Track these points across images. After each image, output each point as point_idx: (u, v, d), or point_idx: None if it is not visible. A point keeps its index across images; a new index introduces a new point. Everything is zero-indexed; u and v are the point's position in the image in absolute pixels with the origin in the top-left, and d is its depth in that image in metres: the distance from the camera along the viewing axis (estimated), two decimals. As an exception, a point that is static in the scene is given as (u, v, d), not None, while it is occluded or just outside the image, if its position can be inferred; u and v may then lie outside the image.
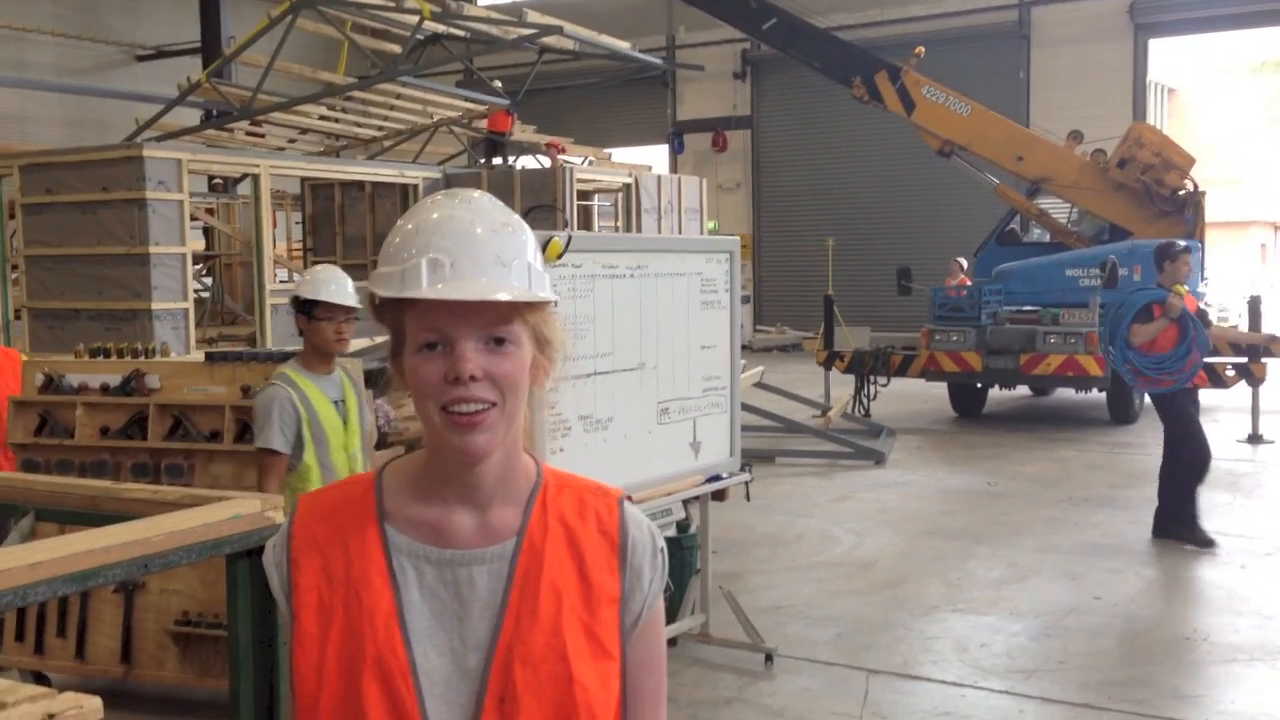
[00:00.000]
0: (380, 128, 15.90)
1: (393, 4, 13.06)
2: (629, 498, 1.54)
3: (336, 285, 4.27)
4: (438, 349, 1.39)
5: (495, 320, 1.40)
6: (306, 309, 4.25)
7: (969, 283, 15.00)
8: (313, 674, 1.43)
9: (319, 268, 4.52)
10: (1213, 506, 8.97)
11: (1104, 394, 13.27)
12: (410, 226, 1.43)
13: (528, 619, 1.43)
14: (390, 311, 1.42)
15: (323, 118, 15.15)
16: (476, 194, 1.48)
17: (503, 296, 1.38)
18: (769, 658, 5.65)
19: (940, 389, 14.24)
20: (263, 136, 15.51)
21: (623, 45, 16.04)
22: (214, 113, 16.29)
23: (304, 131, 15.60)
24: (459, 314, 1.38)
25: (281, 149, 15.34)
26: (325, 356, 4.34)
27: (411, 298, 1.38)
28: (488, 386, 1.40)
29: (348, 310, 4.26)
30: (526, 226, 1.48)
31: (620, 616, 1.49)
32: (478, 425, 1.39)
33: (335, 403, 4.32)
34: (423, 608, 1.44)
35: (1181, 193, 14.10)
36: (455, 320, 1.38)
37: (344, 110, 15.15)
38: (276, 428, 4.12)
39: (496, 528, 1.46)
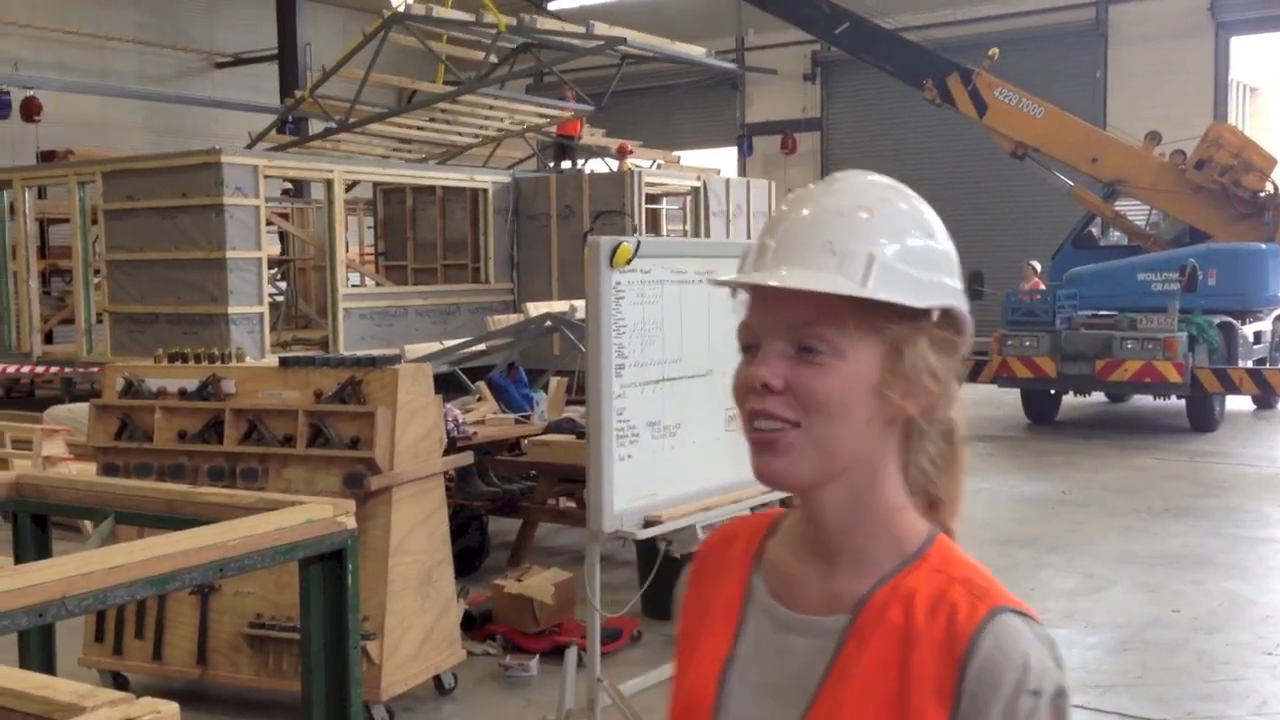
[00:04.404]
0: (476, 135, 16.12)
1: (472, 19, 13.25)
2: (1027, 614, 1.15)
3: None
4: (751, 352, 1.19)
5: (809, 319, 1.14)
6: None
7: (1043, 287, 14.76)
8: (671, 697, 1.32)
9: None
10: (1296, 517, 8.74)
11: (1183, 401, 12.99)
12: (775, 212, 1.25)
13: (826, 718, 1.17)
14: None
15: (419, 128, 15.42)
16: (853, 175, 1.24)
17: (794, 284, 1.13)
18: (837, 667, 5.59)
19: (1013, 395, 14.03)
20: (339, 140, 15.74)
21: (697, 51, 16.03)
22: (289, 119, 16.59)
23: (406, 141, 15.87)
24: (770, 311, 1.17)
25: (386, 157, 15.62)
26: None
27: (744, 293, 1.21)
28: (788, 402, 1.14)
29: None
30: (906, 215, 1.19)
31: None
32: (771, 446, 1.16)
33: None
34: (751, 668, 1.24)
35: (1262, 195, 13.76)
36: (765, 318, 1.17)
37: (446, 120, 15.39)
38: None
39: (838, 596, 1.19)
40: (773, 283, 1.14)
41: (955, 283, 1.18)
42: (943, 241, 1.19)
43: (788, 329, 1.15)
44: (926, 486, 1.21)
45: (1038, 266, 16.41)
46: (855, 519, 1.19)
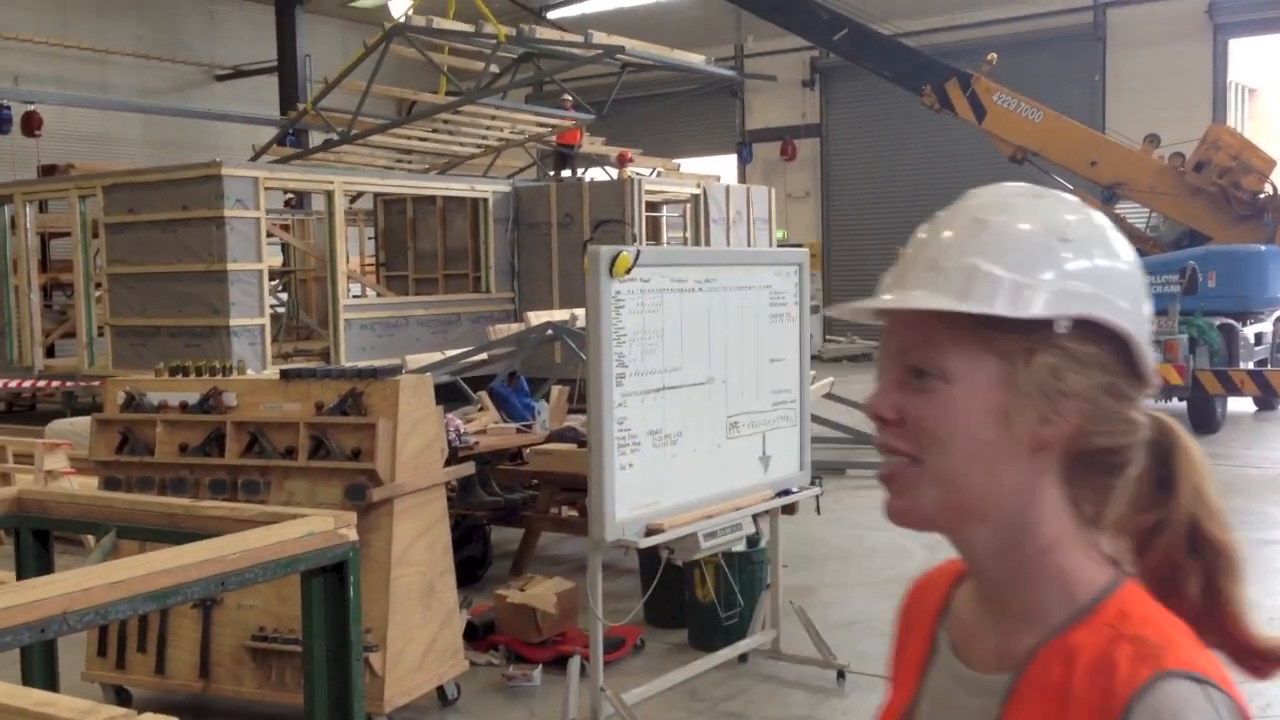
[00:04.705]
0: (477, 145, 16.19)
1: (472, 30, 13.33)
2: (1207, 680, 0.99)
3: None
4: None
5: (915, 343, 1.06)
6: None
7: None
8: None
9: None
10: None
11: (1185, 403, 12.99)
12: None
13: None
14: None
15: (422, 139, 15.49)
16: (989, 187, 1.13)
17: (873, 305, 1.08)
18: (841, 674, 5.60)
19: (1015, 399, 14.01)
20: (341, 152, 15.80)
21: (696, 59, 16.08)
22: (290, 131, 16.66)
23: (408, 152, 15.93)
24: (886, 337, 1.10)
25: (389, 169, 15.70)
26: None
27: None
28: (904, 434, 1.06)
29: None
30: (1034, 220, 1.07)
31: None
32: (889, 482, 1.08)
33: None
34: None
35: (1261, 196, 13.78)
36: (885, 345, 1.11)
37: (448, 131, 15.47)
38: None
39: (1005, 652, 1.08)
40: (868, 305, 1.08)
41: (1102, 290, 1.04)
42: (1089, 248, 1.06)
43: (899, 354, 1.07)
44: (1099, 526, 1.07)
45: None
46: (1011, 564, 1.07)
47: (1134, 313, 1.06)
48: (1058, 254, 1.04)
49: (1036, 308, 1.02)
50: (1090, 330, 1.03)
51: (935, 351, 1.04)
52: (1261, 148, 14.25)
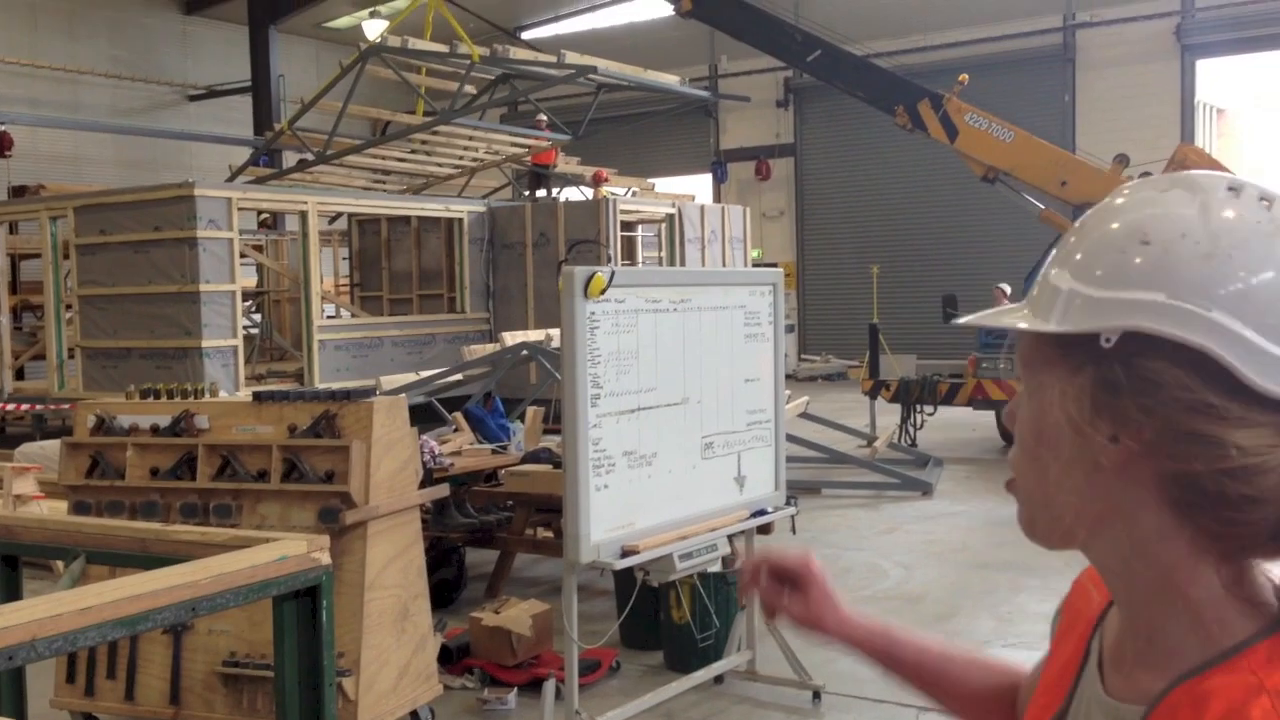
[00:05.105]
0: (455, 166, 16.20)
1: (447, 50, 13.36)
2: None
3: None
4: None
5: (1018, 355, 1.05)
6: None
7: (1015, 309, 14.85)
8: None
9: None
10: None
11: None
12: None
13: None
14: None
15: (400, 159, 15.49)
16: (1130, 185, 1.02)
17: (965, 319, 1.10)
18: (817, 695, 5.59)
19: (988, 417, 14.09)
20: (318, 172, 15.79)
21: (671, 79, 16.15)
22: (265, 151, 16.63)
23: (386, 173, 15.92)
24: None
25: (367, 189, 15.70)
26: None
27: None
28: (1014, 447, 1.06)
29: None
30: (1125, 223, 0.96)
31: None
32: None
33: None
34: None
35: (1231, 215, 13.92)
36: None
37: (426, 151, 15.47)
38: None
39: (1139, 682, 1.00)
40: (964, 320, 1.11)
41: (1184, 299, 0.91)
42: (1188, 248, 0.92)
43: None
44: (1253, 558, 0.95)
45: (1007, 289, 16.52)
46: (1131, 586, 1.00)
47: (1237, 324, 0.90)
48: (1130, 258, 0.93)
49: (1079, 321, 0.94)
50: (1163, 344, 0.91)
51: (1024, 364, 1.02)
52: (1229, 167, 14.41)
